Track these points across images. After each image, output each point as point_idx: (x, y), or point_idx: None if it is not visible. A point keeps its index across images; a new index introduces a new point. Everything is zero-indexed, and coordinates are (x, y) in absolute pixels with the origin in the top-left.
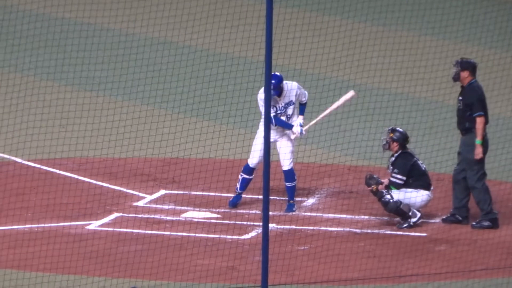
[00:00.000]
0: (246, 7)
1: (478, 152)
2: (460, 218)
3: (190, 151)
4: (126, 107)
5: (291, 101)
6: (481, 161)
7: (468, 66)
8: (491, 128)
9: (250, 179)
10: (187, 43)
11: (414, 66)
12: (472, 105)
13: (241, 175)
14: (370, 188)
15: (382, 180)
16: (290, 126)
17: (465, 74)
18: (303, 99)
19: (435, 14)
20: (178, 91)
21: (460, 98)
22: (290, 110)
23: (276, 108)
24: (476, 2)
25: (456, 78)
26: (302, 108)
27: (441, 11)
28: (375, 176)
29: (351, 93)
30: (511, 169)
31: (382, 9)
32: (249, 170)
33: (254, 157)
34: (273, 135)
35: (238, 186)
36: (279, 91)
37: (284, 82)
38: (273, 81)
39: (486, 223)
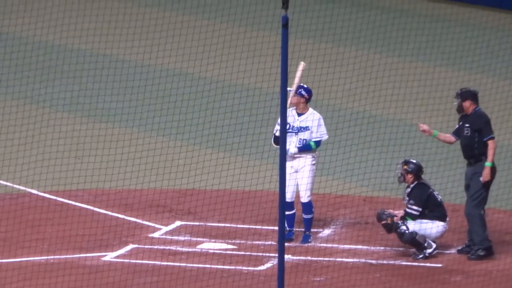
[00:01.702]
0: (261, 38)
1: (486, 174)
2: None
3: (206, 182)
4: (141, 139)
5: (308, 127)
6: (485, 188)
7: (469, 95)
8: (506, 159)
9: (292, 214)
10: (202, 74)
11: (429, 97)
12: (481, 130)
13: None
14: (383, 222)
15: (396, 212)
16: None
17: (467, 104)
18: (318, 135)
19: (450, 45)
20: (194, 122)
21: (467, 125)
22: (303, 135)
23: (290, 127)
24: (491, 33)
25: (460, 109)
26: (306, 146)
27: (456, 42)
28: (386, 212)
29: (301, 65)
30: None
31: (397, 40)
32: (288, 205)
33: (288, 192)
34: (295, 165)
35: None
36: (308, 98)
37: (312, 109)
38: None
39: (482, 253)
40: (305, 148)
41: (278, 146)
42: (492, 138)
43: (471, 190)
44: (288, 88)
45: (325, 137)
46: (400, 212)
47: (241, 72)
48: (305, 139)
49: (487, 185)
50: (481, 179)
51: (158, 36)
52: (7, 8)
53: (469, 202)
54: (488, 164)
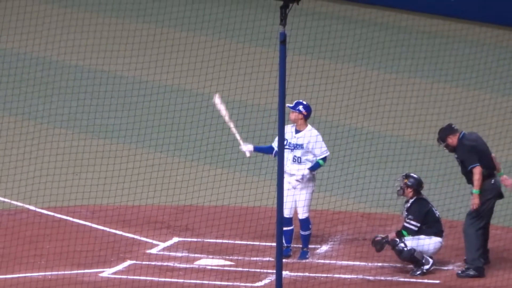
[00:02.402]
0: (259, 54)
1: (474, 203)
2: (483, 261)
3: (204, 198)
4: (139, 155)
5: (302, 144)
6: (480, 210)
7: (445, 133)
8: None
9: (290, 230)
10: (200, 90)
11: (427, 113)
12: (464, 161)
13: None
14: (377, 239)
15: (389, 235)
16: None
17: (450, 140)
18: (321, 151)
19: (448, 61)
20: (192, 139)
21: (456, 156)
22: (298, 153)
23: (287, 143)
24: (489, 50)
25: (451, 149)
26: (315, 164)
27: (454, 58)
28: (379, 237)
29: (216, 98)
30: None
31: (395, 56)
32: (286, 221)
33: (285, 208)
34: (293, 183)
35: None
36: (306, 115)
37: (311, 126)
38: (304, 104)
39: (472, 272)
40: (315, 167)
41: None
42: (474, 166)
43: (469, 210)
44: (287, 105)
45: (327, 153)
46: (392, 235)
47: (239, 89)
48: (300, 157)
49: (486, 204)
50: (471, 207)
51: (156, 52)
52: (5, 24)
53: (466, 220)
54: (475, 191)
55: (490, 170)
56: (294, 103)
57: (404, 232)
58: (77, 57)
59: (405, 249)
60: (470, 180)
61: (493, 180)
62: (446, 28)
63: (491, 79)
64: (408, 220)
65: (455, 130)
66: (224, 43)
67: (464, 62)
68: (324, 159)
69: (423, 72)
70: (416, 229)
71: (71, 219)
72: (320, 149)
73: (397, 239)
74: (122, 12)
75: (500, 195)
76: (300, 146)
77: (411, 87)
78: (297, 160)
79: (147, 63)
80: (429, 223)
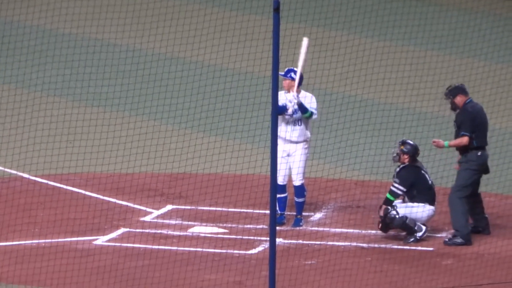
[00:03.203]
0: (253, 22)
1: (438, 142)
2: (480, 229)
3: (197, 166)
4: (133, 123)
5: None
6: (471, 178)
7: (457, 90)
8: (498, 143)
9: (284, 197)
10: (194, 58)
11: (420, 81)
12: (461, 124)
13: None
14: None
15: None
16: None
17: (459, 99)
18: (312, 107)
19: (441, 29)
20: (185, 107)
21: (455, 120)
22: (299, 116)
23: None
24: (482, 17)
25: (454, 107)
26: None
27: (448, 26)
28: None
29: (305, 41)
30: None
31: (388, 24)
32: (280, 188)
33: (280, 175)
34: (287, 149)
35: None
36: (299, 82)
37: (305, 92)
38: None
39: (458, 240)
40: (302, 108)
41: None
42: (465, 135)
43: (456, 178)
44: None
45: (316, 116)
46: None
47: (233, 56)
48: (300, 119)
49: (473, 175)
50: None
51: (150, 21)
52: None
53: (453, 188)
54: (445, 144)
55: (481, 143)
56: (285, 70)
57: (389, 195)
58: (71, 25)
59: (397, 216)
60: (459, 148)
61: (479, 152)
62: None
63: (485, 46)
64: (394, 184)
65: (466, 92)
66: (218, 11)
67: (458, 30)
68: (312, 113)
69: (416, 39)
70: (401, 193)
71: (64, 186)
72: (312, 107)
73: (389, 207)
74: None
75: (486, 170)
76: (298, 111)
77: (405, 54)
78: (298, 123)
79: (141, 31)
80: (419, 189)
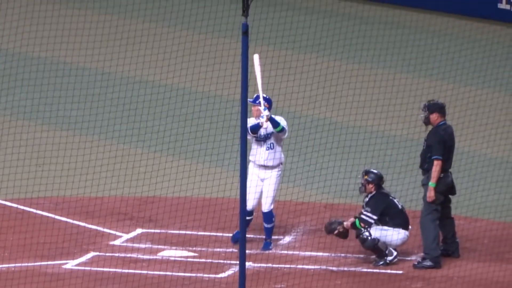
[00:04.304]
0: (222, 45)
1: (430, 195)
2: (450, 252)
3: (167, 189)
4: (102, 146)
5: (272, 132)
6: (435, 203)
7: (436, 107)
8: (466, 166)
9: (249, 219)
10: (163, 82)
11: (389, 104)
12: (432, 147)
13: None
14: (336, 233)
15: (344, 220)
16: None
17: (434, 116)
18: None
19: (410, 52)
20: (154, 130)
21: (425, 138)
22: (271, 140)
23: (258, 135)
24: (451, 40)
25: (427, 122)
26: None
27: (416, 49)
28: (333, 220)
29: (256, 58)
30: (486, 206)
31: (357, 47)
32: (247, 212)
33: (249, 199)
34: (260, 173)
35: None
36: (268, 108)
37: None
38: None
39: (427, 263)
40: (274, 122)
41: (253, 135)
42: (438, 159)
43: (423, 201)
44: (249, 99)
45: (286, 134)
46: (350, 220)
47: (202, 80)
48: (273, 143)
49: (438, 197)
50: (427, 199)
51: (118, 44)
52: None
53: (423, 212)
54: (431, 184)
55: (446, 167)
56: (254, 96)
57: (357, 223)
58: (40, 48)
59: (369, 238)
60: (424, 164)
61: (442, 175)
62: (408, 19)
63: (453, 69)
64: (365, 212)
65: (444, 113)
66: (187, 34)
67: (427, 53)
68: (283, 129)
69: (385, 62)
70: (372, 221)
71: (34, 210)
72: (285, 125)
73: (363, 228)
74: (84, 4)
75: (451, 191)
76: (271, 134)
77: (373, 77)
78: (270, 147)
79: (110, 55)
80: (391, 215)
